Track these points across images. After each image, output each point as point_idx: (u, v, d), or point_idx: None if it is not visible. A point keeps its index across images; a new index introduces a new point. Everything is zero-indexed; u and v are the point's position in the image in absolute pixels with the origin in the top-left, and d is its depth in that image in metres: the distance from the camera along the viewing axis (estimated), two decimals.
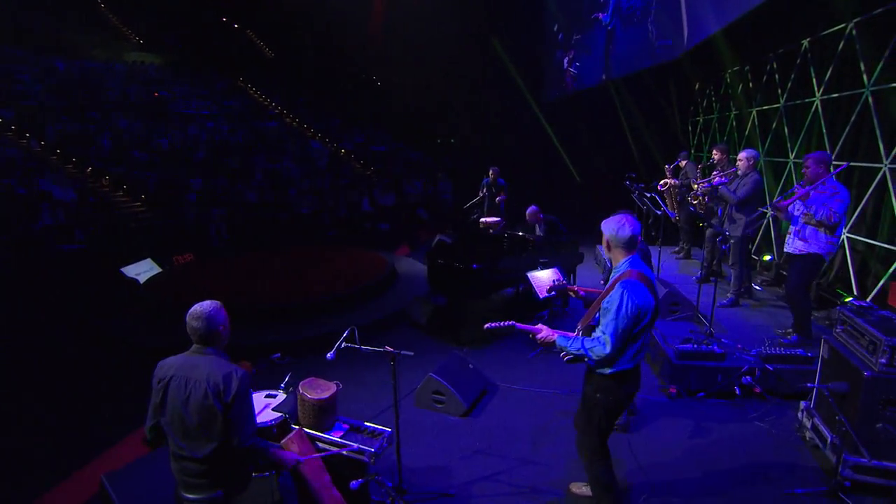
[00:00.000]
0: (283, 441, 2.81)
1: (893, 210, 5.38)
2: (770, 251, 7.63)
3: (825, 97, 6.58)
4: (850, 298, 5.64)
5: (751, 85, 8.72)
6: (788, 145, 7.36)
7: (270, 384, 4.88)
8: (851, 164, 5.88)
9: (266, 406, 3.20)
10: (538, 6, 16.04)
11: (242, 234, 11.16)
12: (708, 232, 6.52)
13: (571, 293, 3.63)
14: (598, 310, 2.74)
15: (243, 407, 2.37)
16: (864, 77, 5.84)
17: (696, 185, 5.82)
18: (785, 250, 4.93)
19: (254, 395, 3.15)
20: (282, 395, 3.27)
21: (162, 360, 2.48)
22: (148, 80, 21.67)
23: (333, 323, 6.05)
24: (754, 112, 8.49)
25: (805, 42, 7.04)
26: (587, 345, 2.64)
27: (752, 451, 3.67)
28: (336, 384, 3.11)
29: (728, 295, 6.09)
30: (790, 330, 5.03)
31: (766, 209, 6.89)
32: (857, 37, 6.03)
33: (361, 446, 2.85)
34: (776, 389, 4.22)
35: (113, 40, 26.90)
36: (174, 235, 10.60)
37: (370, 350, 3.13)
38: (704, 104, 11.13)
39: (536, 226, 6.82)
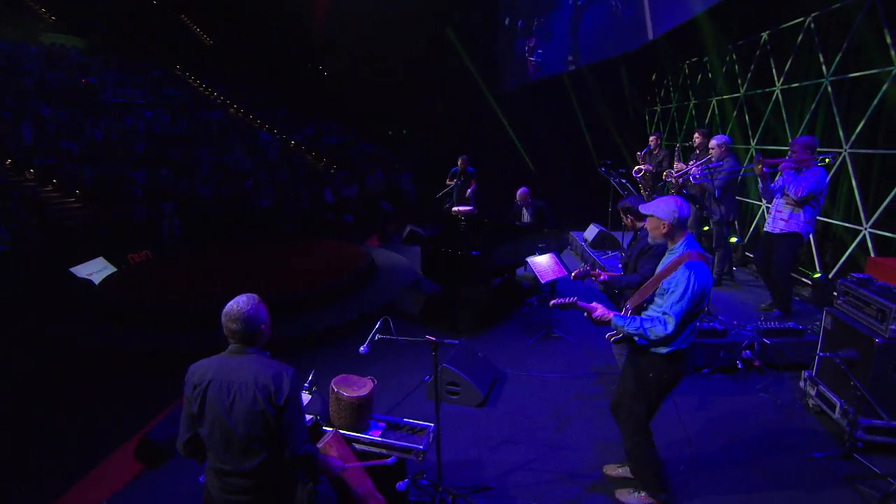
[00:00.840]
0: (319, 445, 2.59)
1: (855, 192, 5.79)
2: (734, 234, 8.06)
3: (785, 87, 6.98)
4: (818, 275, 6.05)
5: (710, 76, 9.13)
6: (749, 132, 7.78)
7: None
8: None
9: None
10: None
11: (197, 230, 10.45)
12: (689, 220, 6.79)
13: (593, 278, 3.64)
14: (653, 290, 2.72)
15: (295, 410, 2.08)
16: (824, 68, 6.25)
17: (673, 174, 6.01)
18: (766, 230, 5.18)
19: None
20: (306, 396, 3.03)
21: (193, 363, 2.16)
22: (71, 65, 19.83)
23: (319, 319, 5.77)
24: (714, 101, 8.91)
25: (764, 35, 7.43)
26: (646, 325, 2.62)
27: (762, 420, 3.83)
28: (371, 379, 2.92)
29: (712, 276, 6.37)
30: (770, 304, 5.32)
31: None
32: (816, 30, 6.43)
33: (409, 444, 2.69)
34: (773, 362, 4.44)
35: (24, 19, 24.37)
36: (121, 232, 9.75)
37: (406, 340, 2.96)
38: (662, 94, 11.57)
39: (524, 209, 6.81)
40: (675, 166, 6.80)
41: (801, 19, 6.65)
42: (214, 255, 8.27)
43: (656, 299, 2.73)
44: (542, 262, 5.19)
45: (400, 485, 2.67)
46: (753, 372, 4.40)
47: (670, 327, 2.57)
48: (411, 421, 2.91)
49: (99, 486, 3.33)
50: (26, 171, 12.06)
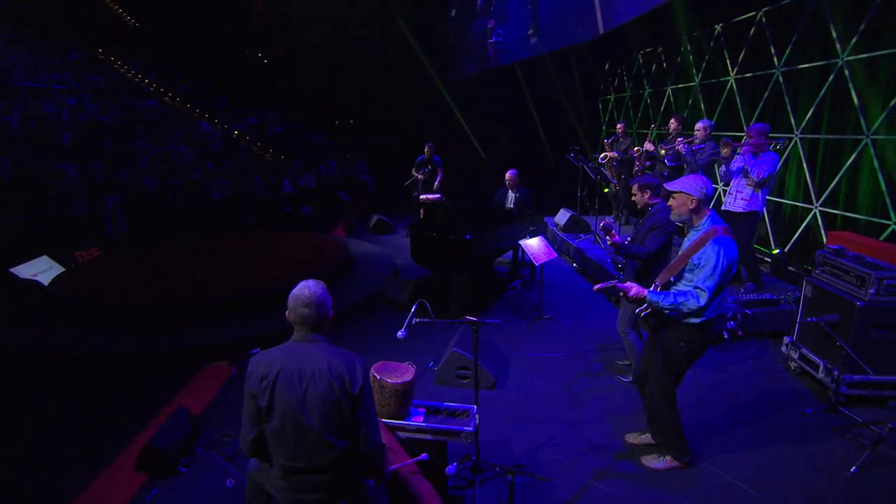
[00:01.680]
0: None
1: (805, 174, 6.34)
2: None
3: (739, 76, 7.50)
4: (777, 251, 6.59)
5: (665, 65, 9.62)
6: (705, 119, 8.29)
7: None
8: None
9: None
10: None
11: (145, 225, 9.76)
12: None
13: (608, 236, 3.82)
14: (682, 266, 2.87)
15: (370, 401, 2.01)
16: (775, 59, 6.76)
17: (662, 151, 6.31)
18: (725, 209, 5.55)
19: None
20: None
21: (255, 355, 2.03)
22: None
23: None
24: (669, 90, 9.41)
25: (718, 27, 7.93)
26: (679, 299, 2.77)
27: (754, 385, 4.15)
28: (410, 364, 2.89)
29: None
30: (742, 279, 5.74)
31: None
32: (767, 24, 6.93)
33: (459, 427, 2.69)
34: (754, 331, 4.81)
35: None
36: (56, 229, 8.91)
37: (446, 323, 2.95)
38: (615, 83, 12.05)
39: (509, 192, 6.87)
40: (645, 145, 7.14)
41: (753, 13, 7.15)
42: (174, 251, 7.77)
43: (686, 275, 2.89)
44: (535, 245, 5.31)
45: (450, 469, 2.68)
46: (738, 341, 4.75)
47: (703, 300, 2.72)
48: (450, 404, 2.92)
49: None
50: None
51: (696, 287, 2.77)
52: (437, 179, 9.82)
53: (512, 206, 6.80)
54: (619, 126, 8.11)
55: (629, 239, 3.92)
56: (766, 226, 6.99)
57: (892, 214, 5.18)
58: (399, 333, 2.83)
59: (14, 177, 11.02)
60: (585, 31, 8.81)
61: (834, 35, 5.84)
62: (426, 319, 2.88)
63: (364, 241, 8.81)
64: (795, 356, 4.22)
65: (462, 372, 4.21)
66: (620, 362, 4.55)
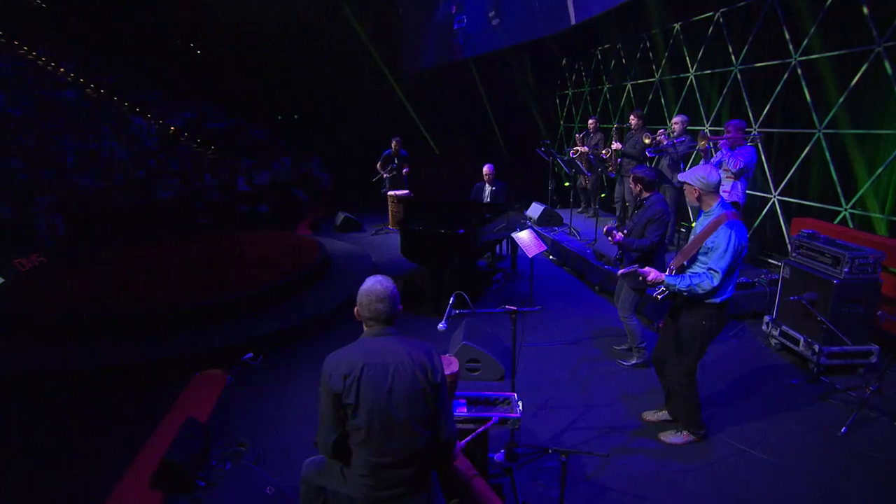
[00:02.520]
0: None
1: (764, 165, 7.00)
2: None
3: (698, 73, 8.11)
4: None
5: (624, 61, 10.18)
6: (665, 115, 8.89)
7: (255, 387, 4.36)
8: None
9: None
10: None
11: (86, 228, 9.15)
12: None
13: (609, 238, 4.11)
14: (696, 250, 3.17)
15: (447, 390, 2.10)
16: (733, 57, 7.39)
17: (647, 140, 6.75)
18: None
19: None
20: None
21: (329, 356, 2.05)
22: None
23: (295, 311, 5.53)
24: (629, 85, 9.98)
25: (677, 25, 8.52)
26: (694, 280, 3.07)
27: (742, 362, 4.60)
28: (452, 356, 3.00)
29: None
30: None
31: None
32: (724, 24, 7.56)
33: (508, 415, 2.84)
34: (733, 312, 5.29)
35: None
36: None
37: (486, 313, 3.09)
38: (573, 78, 12.58)
39: (486, 186, 7.07)
40: (612, 145, 7.59)
41: (711, 14, 7.76)
42: (130, 255, 7.36)
43: (700, 258, 3.19)
44: (526, 238, 5.54)
45: (499, 456, 2.82)
46: None
47: (716, 280, 3.03)
48: (487, 393, 3.06)
49: None
50: None
51: (709, 269, 3.08)
52: (405, 174, 9.88)
53: (489, 200, 7.02)
54: (590, 121, 8.54)
55: (626, 231, 4.23)
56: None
57: (842, 202, 5.85)
58: (440, 326, 2.95)
59: None
60: (554, 22, 9.11)
61: (787, 37, 6.49)
62: (466, 310, 3.01)
63: (334, 240, 8.73)
64: (776, 333, 4.71)
65: (472, 364, 4.36)
66: (617, 347, 4.87)
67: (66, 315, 5.17)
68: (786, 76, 6.52)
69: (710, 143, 5.79)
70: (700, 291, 3.07)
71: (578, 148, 8.46)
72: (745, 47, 7.15)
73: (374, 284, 2.10)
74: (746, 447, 3.41)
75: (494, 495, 2.58)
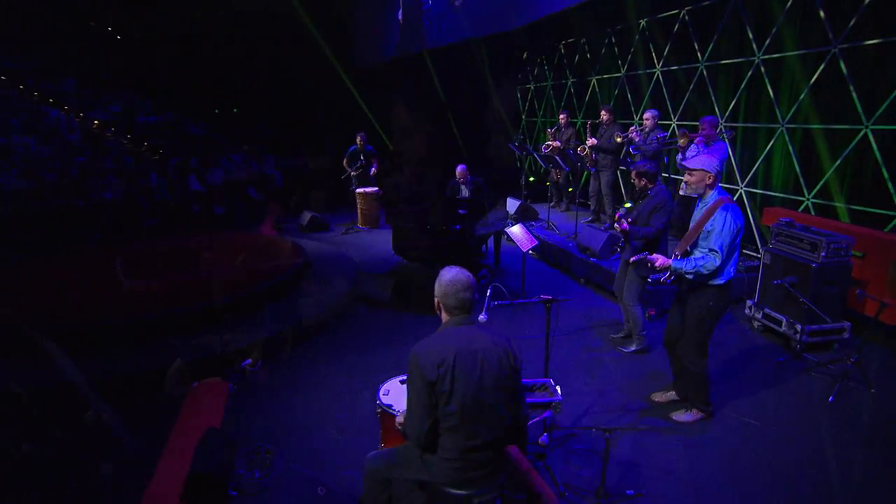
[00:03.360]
0: None
1: (731, 158, 7.67)
2: (630, 200, 9.80)
3: (665, 69, 8.74)
4: None
5: (588, 56, 10.74)
6: (632, 109, 9.50)
7: (260, 392, 4.44)
8: (692, 123, 8.08)
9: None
10: None
11: (14, 231, 8.63)
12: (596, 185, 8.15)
13: (616, 227, 4.49)
14: (697, 235, 3.58)
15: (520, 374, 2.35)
16: (699, 54, 8.04)
17: (619, 139, 7.22)
18: (682, 194, 6.61)
19: (388, 384, 3.05)
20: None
21: (416, 346, 2.22)
22: None
23: (290, 313, 5.57)
24: (594, 80, 10.55)
25: (643, 22, 9.12)
26: (699, 262, 3.48)
27: (731, 344, 5.12)
28: None
29: None
30: None
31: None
32: (690, 21, 8.20)
33: (551, 399, 3.11)
34: None
35: None
36: None
37: (525, 302, 3.35)
38: (535, 72, 13.07)
39: (463, 186, 7.35)
40: (588, 141, 8.06)
41: (677, 11, 8.39)
42: (86, 260, 7.07)
43: (701, 243, 3.60)
44: (519, 233, 5.85)
45: (543, 438, 3.09)
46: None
47: (718, 260, 3.46)
48: (525, 380, 3.32)
49: None
50: None
51: (710, 250, 3.50)
52: (373, 171, 9.98)
53: (468, 196, 7.30)
54: (561, 116, 8.98)
55: (631, 220, 4.62)
56: None
57: (805, 192, 6.56)
58: (481, 317, 3.17)
59: None
60: (522, 13, 9.35)
61: (750, 36, 7.17)
62: (505, 301, 3.26)
63: (308, 240, 8.72)
64: (759, 316, 5.26)
65: None
66: (614, 336, 5.28)
67: (26, 326, 4.97)
68: (750, 73, 7.21)
69: (690, 140, 6.34)
70: (705, 272, 3.49)
71: (551, 143, 8.88)
72: (711, 45, 7.82)
73: (458, 275, 2.31)
74: (748, 419, 3.88)
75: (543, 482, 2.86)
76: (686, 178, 3.74)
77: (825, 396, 4.10)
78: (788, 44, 6.67)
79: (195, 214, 10.63)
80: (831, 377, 4.37)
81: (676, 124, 8.44)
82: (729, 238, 3.45)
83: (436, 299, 2.34)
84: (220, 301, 5.47)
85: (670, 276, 3.67)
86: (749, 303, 5.44)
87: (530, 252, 8.38)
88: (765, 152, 7.07)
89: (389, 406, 2.79)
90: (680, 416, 3.92)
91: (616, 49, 9.91)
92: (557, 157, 8.13)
